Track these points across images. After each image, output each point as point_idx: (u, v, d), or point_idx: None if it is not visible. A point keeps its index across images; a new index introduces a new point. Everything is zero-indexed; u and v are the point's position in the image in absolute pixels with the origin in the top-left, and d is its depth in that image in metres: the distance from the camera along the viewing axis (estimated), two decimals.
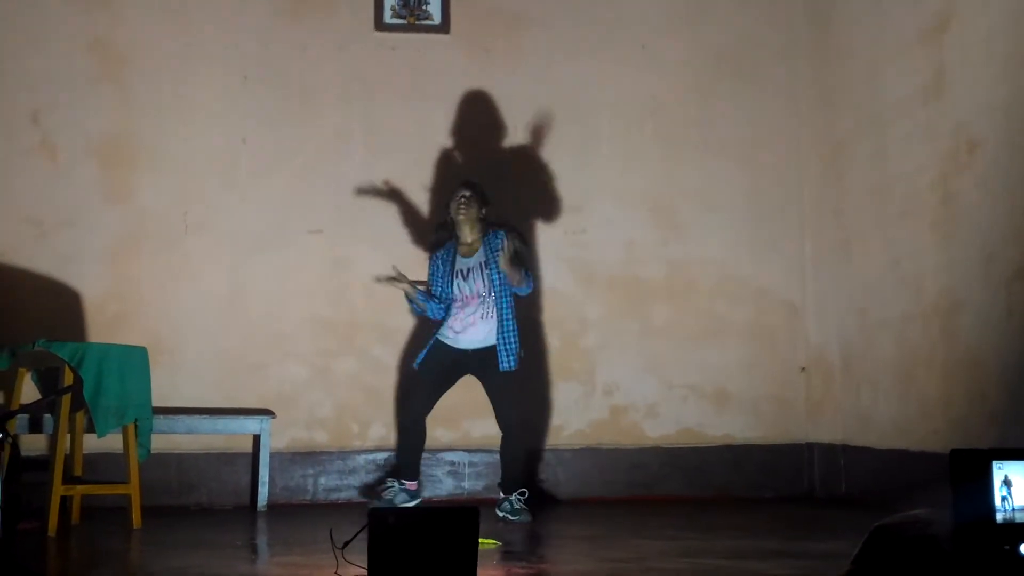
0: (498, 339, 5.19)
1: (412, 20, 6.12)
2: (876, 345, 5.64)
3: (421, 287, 5.32)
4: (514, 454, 5.24)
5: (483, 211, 5.35)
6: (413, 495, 5.19)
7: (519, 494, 5.14)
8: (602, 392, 6.09)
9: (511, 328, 5.21)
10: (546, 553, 4.12)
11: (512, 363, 5.20)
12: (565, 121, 6.19)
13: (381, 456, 5.85)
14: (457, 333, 5.23)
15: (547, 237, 6.12)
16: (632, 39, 6.28)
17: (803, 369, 6.24)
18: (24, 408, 4.85)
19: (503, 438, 5.26)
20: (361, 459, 5.86)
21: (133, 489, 4.83)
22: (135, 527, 4.78)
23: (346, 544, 3.54)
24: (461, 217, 5.29)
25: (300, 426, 5.84)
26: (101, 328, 5.70)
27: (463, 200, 5.29)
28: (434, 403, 5.29)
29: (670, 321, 6.18)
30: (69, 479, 4.86)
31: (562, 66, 6.21)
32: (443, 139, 6.09)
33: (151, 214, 5.86)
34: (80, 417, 5.00)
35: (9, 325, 5.54)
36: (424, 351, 5.28)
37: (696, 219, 6.25)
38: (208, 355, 5.82)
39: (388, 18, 6.10)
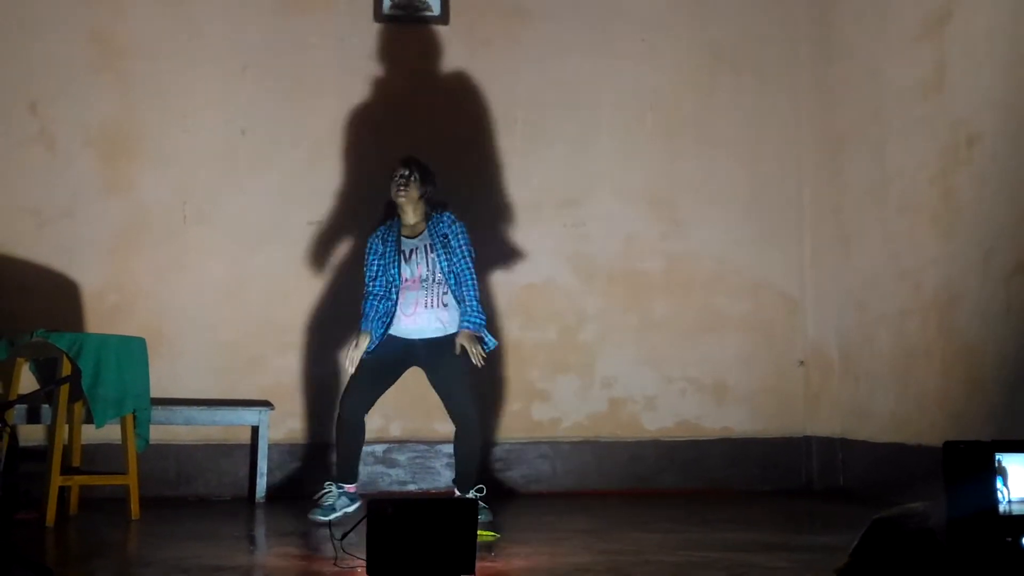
0: (461, 323, 4.81)
1: (411, 11, 6.11)
2: (874, 339, 5.65)
3: (364, 341, 4.87)
4: (473, 449, 4.89)
5: (426, 190, 4.95)
6: (353, 498, 4.81)
7: (477, 491, 4.82)
8: (600, 385, 6.09)
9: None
10: (544, 545, 4.12)
11: (479, 325, 4.81)
12: (564, 115, 6.19)
13: (379, 448, 5.85)
14: (404, 320, 4.86)
15: (546, 231, 6.12)
16: (632, 33, 6.28)
17: (801, 363, 6.25)
18: (22, 398, 4.85)
19: (461, 431, 4.87)
20: None
21: (131, 480, 4.83)
22: (133, 518, 4.79)
23: (345, 535, 3.54)
24: (401, 199, 4.90)
25: (298, 418, 5.84)
26: (100, 319, 5.70)
27: (401, 180, 4.90)
28: (375, 399, 4.93)
29: (669, 314, 6.18)
30: (67, 469, 4.86)
31: (562, 59, 6.20)
32: (442, 131, 6.08)
33: (150, 205, 5.85)
34: (78, 407, 5.00)
35: (8, 315, 5.53)
36: (376, 341, 4.86)
37: (695, 213, 6.25)
38: (207, 346, 5.82)
39: (387, 9, 6.09)
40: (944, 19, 5.09)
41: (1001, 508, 2.69)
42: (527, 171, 6.15)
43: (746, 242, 6.26)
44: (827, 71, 6.18)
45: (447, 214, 4.98)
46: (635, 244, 6.19)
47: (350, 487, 4.84)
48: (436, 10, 6.12)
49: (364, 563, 3.22)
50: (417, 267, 4.88)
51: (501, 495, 5.75)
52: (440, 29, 6.13)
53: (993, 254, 4.69)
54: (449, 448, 5.87)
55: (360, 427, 4.88)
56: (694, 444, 6.09)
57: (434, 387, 4.96)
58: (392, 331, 4.87)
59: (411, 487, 5.86)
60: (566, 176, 6.17)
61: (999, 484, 2.73)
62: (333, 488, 4.81)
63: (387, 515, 3.17)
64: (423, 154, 6.01)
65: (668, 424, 6.11)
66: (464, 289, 4.89)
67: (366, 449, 5.82)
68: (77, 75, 5.84)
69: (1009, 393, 4.55)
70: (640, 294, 6.18)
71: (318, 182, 5.97)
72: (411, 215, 4.97)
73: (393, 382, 5.00)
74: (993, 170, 4.71)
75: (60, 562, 3.88)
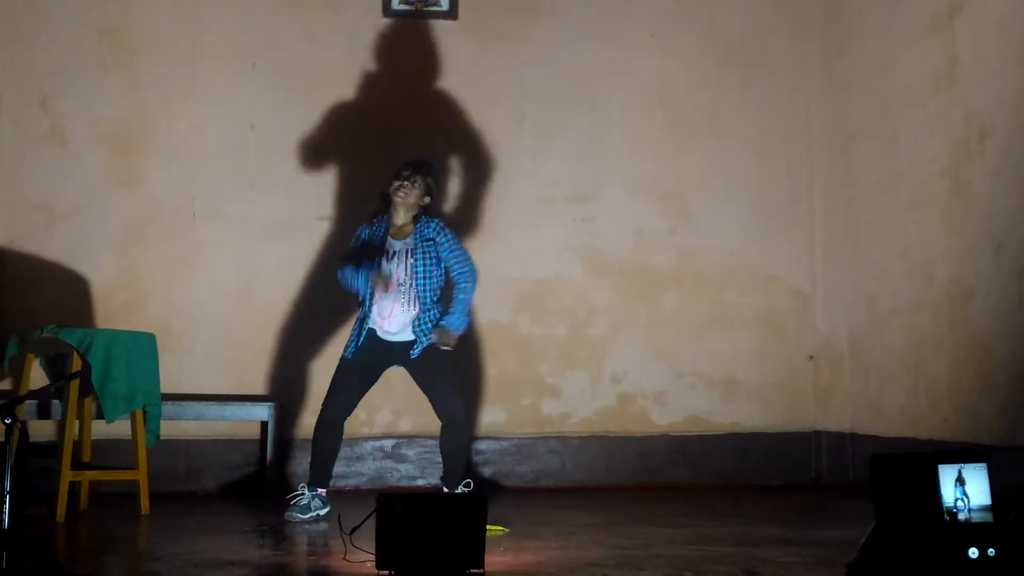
0: (415, 328, 4.79)
1: (420, 6, 6.11)
2: (885, 333, 5.63)
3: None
4: (460, 445, 4.83)
5: (426, 200, 4.92)
6: (324, 502, 4.75)
7: (464, 486, 4.80)
8: (610, 380, 6.09)
9: (430, 319, 4.80)
10: (554, 540, 4.12)
11: (424, 341, 4.78)
12: (574, 109, 6.18)
13: (388, 443, 5.86)
14: (381, 321, 4.82)
15: (556, 225, 6.12)
16: (642, 27, 6.27)
17: (811, 357, 6.23)
18: (33, 394, 4.88)
19: (449, 429, 4.80)
20: (368, 446, 5.87)
21: (141, 475, 4.85)
22: (143, 513, 4.80)
23: (354, 530, 3.54)
24: (398, 199, 4.86)
25: (308, 413, 5.84)
26: (110, 315, 5.71)
27: (405, 183, 4.86)
28: (358, 401, 4.87)
29: (679, 309, 6.17)
30: (77, 465, 4.88)
31: (571, 54, 6.19)
32: (451, 126, 6.08)
33: (160, 201, 5.87)
34: (88, 403, 5.02)
35: (18, 311, 5.56)
36: (355, 340, 4.84)
37: (705, 207, 6.24)
38: (217, 342, 5.83)
39: (396, 4, 6.09)
40: (955, 12, 5.07)
41: (961, 517, 2.66)
42: (536, 166, 6.15)
43: (756, 236, 6.25)
44: (837, 65, 6.16)
45: (436, 220, 4.94)
46: (645, 239, 6.19)
47: (323, 491, 4.80)
48: (445, 5, 6.12)
49: (373, 558, 3.23)
50: (396, 270, 4.82)
51: (510, 490, 5.76)
52: (449, 24, 6.13)
53: (1005, 248, 4.67)
54: None
55: (341, 430, 4.84)
56: (703, 439, 6.08)
57: (419, 386, 4.91)
58: (373, 329, 4.83)
59: (420, 482, 5.86)
60: (576, 171, 6.17)
61: (959, 494, 2.69)
62: (306, 491, 4.77)
63: (396, 510, 3.17)
64: (432, 149, 6.04)
65: (677, 419, 6.11)
66: (460, 289, 4.87)
67: (375, 444, 5.86)
68: (87, 72, 5.85)
69: (1020, 387, 4.53)
70: (650, 289, 6.17)
71: (327, 178, 5.97)
72: (401, 216, 4.91)
73: (375, 382, 4.94)
74: (1005, 163, 4.69)
75: (70, 557, 3.89)
